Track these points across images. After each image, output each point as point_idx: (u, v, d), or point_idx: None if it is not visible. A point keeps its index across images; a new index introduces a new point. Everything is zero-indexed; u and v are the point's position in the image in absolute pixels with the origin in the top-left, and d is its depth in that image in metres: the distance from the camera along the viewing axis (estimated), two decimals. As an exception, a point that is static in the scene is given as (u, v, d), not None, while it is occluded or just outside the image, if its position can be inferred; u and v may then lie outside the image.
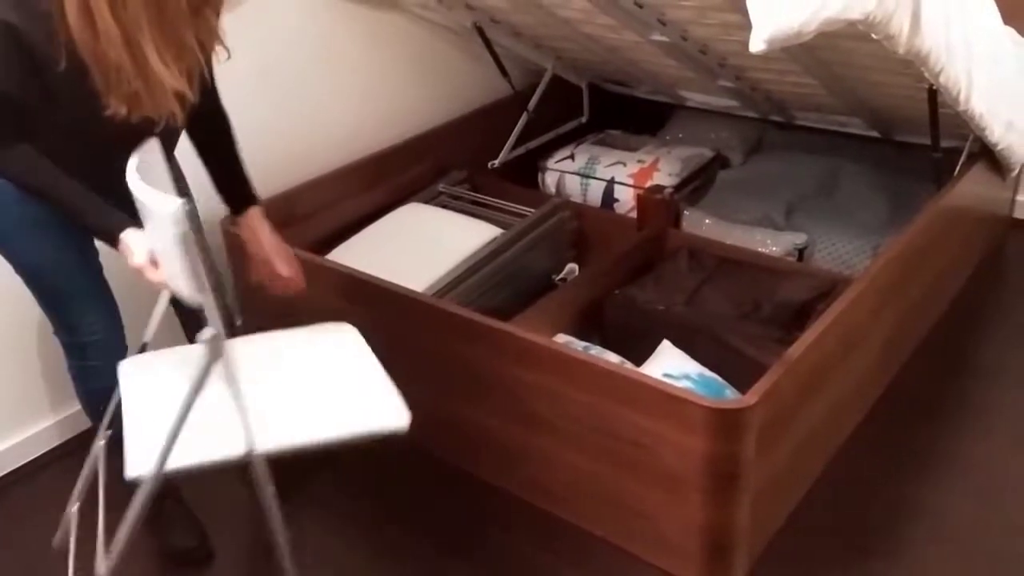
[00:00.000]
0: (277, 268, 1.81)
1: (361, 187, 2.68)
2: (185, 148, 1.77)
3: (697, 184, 2.92)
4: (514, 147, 3.07)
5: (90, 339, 1.73)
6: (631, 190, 2.85)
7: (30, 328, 2.16)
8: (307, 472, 2.12)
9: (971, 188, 2.52)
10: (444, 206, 2.74)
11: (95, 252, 1.74)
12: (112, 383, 1.64)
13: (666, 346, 2.07)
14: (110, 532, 1.48)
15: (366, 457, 2.17)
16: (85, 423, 2.25)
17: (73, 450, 2.24)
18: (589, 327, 2.33)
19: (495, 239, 2.47)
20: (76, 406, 2.23)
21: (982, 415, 2.23)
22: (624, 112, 3.32)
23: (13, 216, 1.62)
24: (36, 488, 2.16)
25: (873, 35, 1.72)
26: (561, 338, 2.14)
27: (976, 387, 2.33)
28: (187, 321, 1.90)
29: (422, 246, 2.47)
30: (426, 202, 2.76)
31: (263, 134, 2.46)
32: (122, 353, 1.76)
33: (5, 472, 2.20)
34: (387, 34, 2.79)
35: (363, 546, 1.92)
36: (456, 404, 2.04)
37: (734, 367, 2.03)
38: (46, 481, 2.17)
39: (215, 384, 1.35)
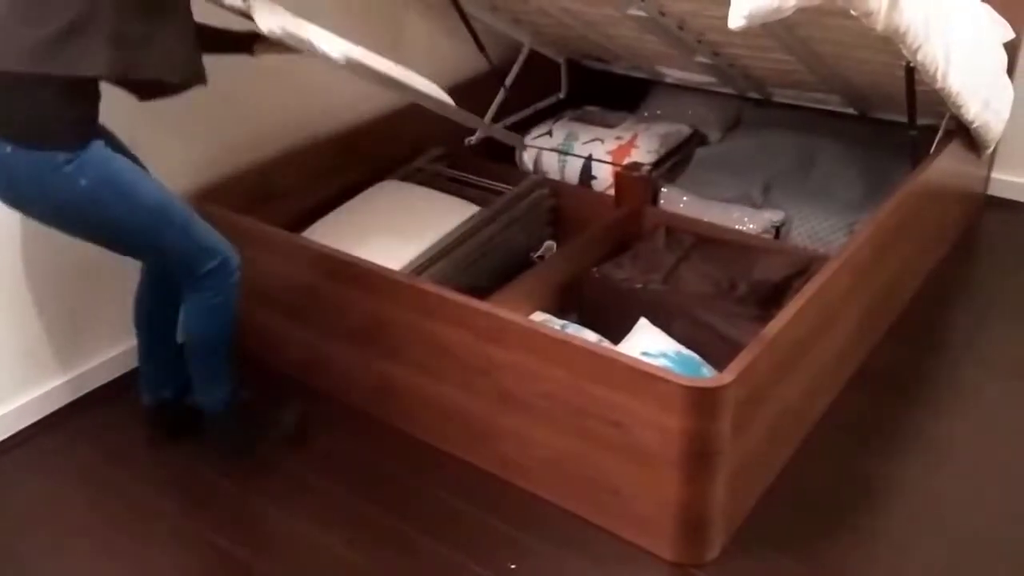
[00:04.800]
0: None
1: (337, 162, 2.65)
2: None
3: (675, 161, 2.91)
4: (492, 123, 3.04)
5: (229, 253, 1.87)
6: (609, 167, 2.84)
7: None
8: (286, 451, 2.11)
9: (947, 166, 2.53)
10: (422, 183, 2.71)
11: None
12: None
13: (643, 324, 2.07)
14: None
15: (339, 434, 2.16)
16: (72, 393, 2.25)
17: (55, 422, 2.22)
18: (567, 305, 2.32)
19: (473, 217, 2.45)
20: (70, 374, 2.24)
21: (953, 392, 2.25)
22: (602, 88, 3.30)
23: (124, 166, 1.73)
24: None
25: (852, 12, 1.71)
26: (539, 316, 2.13)
27: (947, 364, 2.35)
28: None
29: (399, 224, 2.45)
30: (404, 179, 2.73)
31: (235, 107, 2.42)
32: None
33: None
34: (362, 7, 2.75)
35: (336, 526, 1.91)
36: (432, 382, 2.03)
37: (711, 345, 2.03)
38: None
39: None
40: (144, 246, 1.84)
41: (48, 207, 1.72)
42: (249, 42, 2.03)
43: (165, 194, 1.81)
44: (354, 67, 1.92)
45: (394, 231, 2.40)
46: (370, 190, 2.62)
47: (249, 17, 1.81)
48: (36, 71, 1.57)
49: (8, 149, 1.62)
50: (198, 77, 1.72)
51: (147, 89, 1.75)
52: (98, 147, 1.68)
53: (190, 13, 1.71)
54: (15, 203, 1.75)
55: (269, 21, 1.77)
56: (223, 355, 2.00)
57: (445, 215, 2.47)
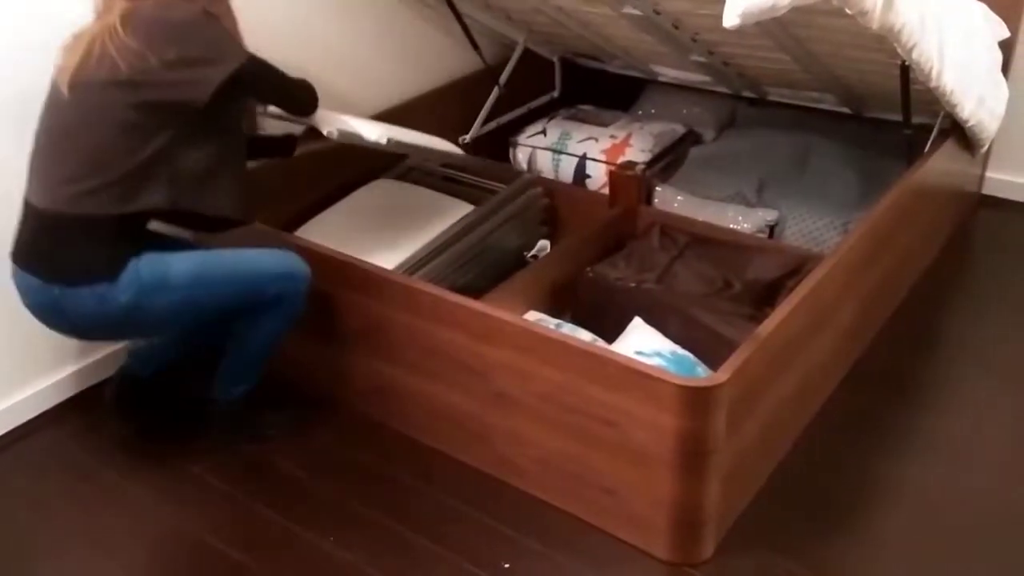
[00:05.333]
0: None
1: (329, 162, 2.63)
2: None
3: (669, 160, 2.91)
4: (485, 122, 3.04)
5: (291, 268, 1.95)
6: (603, 166, 2.83)
7: None
8: (281, 452, 2.11)
9: (941, 165, 2.53)
10: (415, 182, 2.70)
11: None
12: None
13: (638, 323, 2.07)
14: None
15: (333, 434, 2.16)
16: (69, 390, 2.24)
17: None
18: (561, 304, 2.32)
19: (466, 216, 2.44)
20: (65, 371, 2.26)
21: (946, 391, 2.25)
22: (596, 87, 3.30)
23: (150, 263, 1.79)
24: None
25: (847, 10, 1.71)
26: (533, 315, 2.13)
27: (941, 363, 2.35)
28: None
29: (392, 222, 2.44)
30: (397, 178, 2.72)
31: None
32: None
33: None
34: (357, 5, 2.74)
35: (331, 526, 1.90)
36: (427, 382, 2.03)
37: (705, 344, 2.03)
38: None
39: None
40: (201, 314, 1.91)
41: (102, 329, 1.87)
42: (290, 145, 2.20)
43: (197, 259, 1.87)
44: (394, 144, 2.18)
45: (387, 230, 2.40)
46: (363, 189, 2.62)
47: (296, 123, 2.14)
48: (98, 212, 1.72)
49: (57, 291, 1.76)
50: (248, 216, 1.91)
51: (200, 224, 1.91)
52: (132, 264, 1.78)
53: (244, 151, 1.91)
54: (71, 332, 1.90)
55: (328, 127, 2.03)
56: (270, 354, 2.04)
57: (439, 214, 2.46)
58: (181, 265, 1.84)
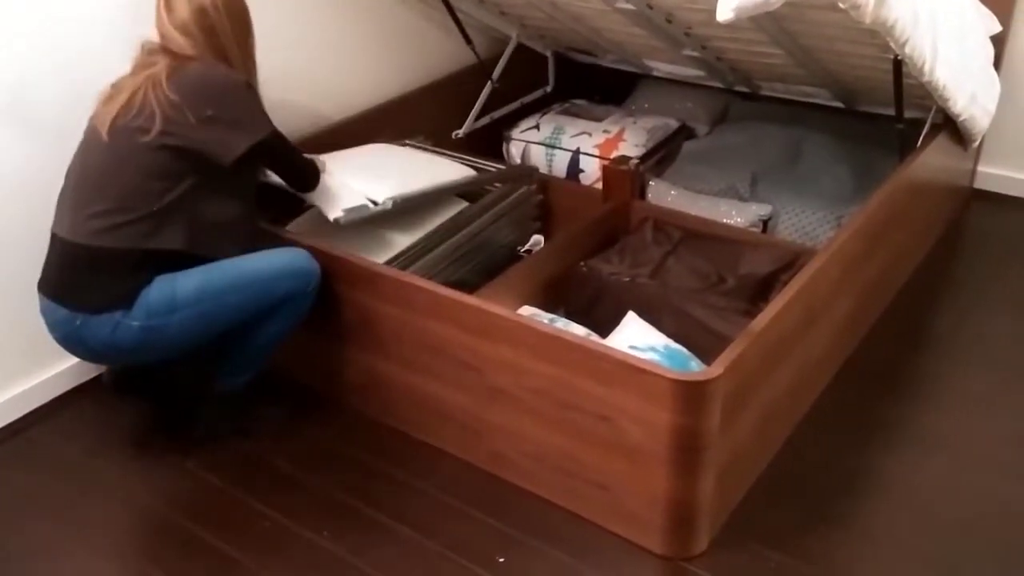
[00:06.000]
0: None
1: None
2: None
3: (662, 155, 2.91)
4: (479, 117, 3.03)
5: (300, 268, 1.99)
6: (597, 161, 2.83)
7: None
8: (273, 447, 2.10)
9: (934, 159, 2.53)
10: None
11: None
12: None
13: (631, 318, 2.07)
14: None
15: (326, 429, 2.15)
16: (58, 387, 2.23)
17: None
18: (555, 299, 2.32)
19: (461, 210, 2.43)
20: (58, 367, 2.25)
21: (939, 385, 2.26)
22: (590, 82, 3.30)
23: (158, 288, 1.87)
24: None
25: (840, 5, 1.71)
26: (527, 310, 2.13)
27: (934, 357, 2.36)
28: None
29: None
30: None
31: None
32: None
33: None
34: (348, 0, 2.73)
35: (323, 521, 1.90)
36: (420, 378, 2.02)
37: (699, 339, 2.03)
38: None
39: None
40: (215, 326, 1.94)
41: (121, 354, 1.93)
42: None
43: (203, 273, 1.90)
44: (401, 201, 2.23)
45: (383, 221, 2.37)
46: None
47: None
48: (119, 246, 1.83)
49: (78, 321, 1.84)
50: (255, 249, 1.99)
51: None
52: (144, 291, 1.86)
53: (256, 206, 2.04)
54: (95, 359, 2.04)
55: (332, 209, 2.13)
56: (272, 350, 2.07)
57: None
58: (187, 282, 1.89)
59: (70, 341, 1.90)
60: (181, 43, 1.88)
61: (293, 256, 1.99)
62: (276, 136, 1.97)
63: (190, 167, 1.85)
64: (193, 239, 1.89)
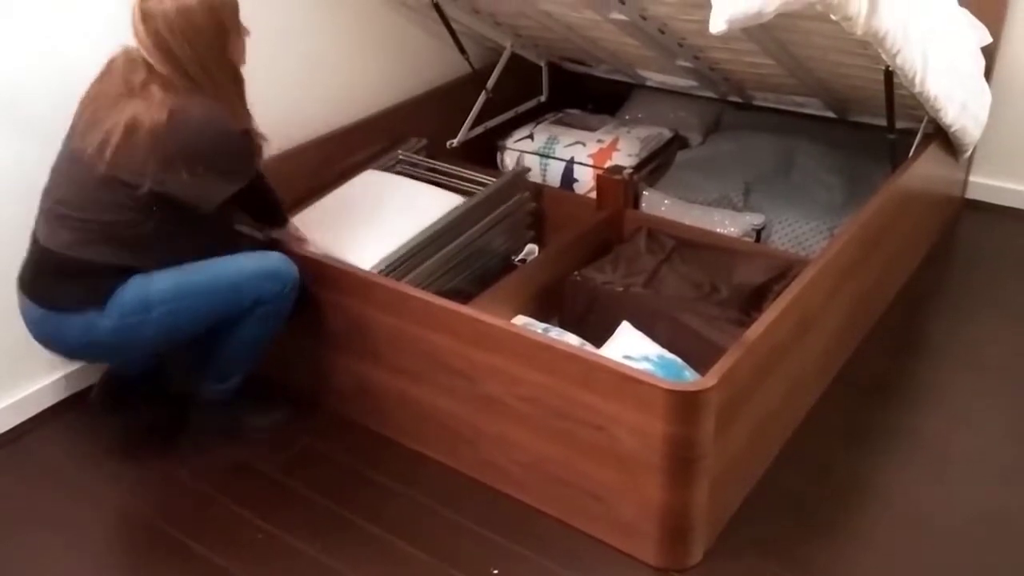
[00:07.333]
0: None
1: (313, 169, 2.62)
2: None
3: (656, 164, 2.92)
4: (473, 126, 3.03)
5: (277, 271, 1.98)
6: (590, 170, 2.83)
7: None
8: (265, 455, 2.09)
9: (925, 169, 2.54)
10: (402, 174, 2.67)
11: None
12: None
13: (625, 328, 2.07)
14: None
15: (319, 437, 2.14)
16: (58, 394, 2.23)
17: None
18: (548, 308, 2.32)
19: (454, 218, 2.43)
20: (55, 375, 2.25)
21: (933, 394, 2.26)
22: (584, 91, 3.30)
23: (131, 288, 1.86)
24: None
25: (832, 16, 1.72)
26: (520, 319, 2.12)
27: (927, 367, 2.36)
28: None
29: (380, 216, 2.41)
30: (384, 170, 2.69)
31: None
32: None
33: None
34: (343, 9, 2.73)
35: (315, 531, 1.89)
36: (414, 386, 2.02)
37: (693, 348, 2.03)
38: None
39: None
40: (189, 326, 1.93)
41: (95, 352, 1.97)
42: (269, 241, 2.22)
43: (177, 273, 1.90)
44: (391, 259, 2.25)
45: (375, 224, 2.37)
46: (351, 181, 2.58)
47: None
48: (96, 260, 1.84)
49: (54, 320, 1.86)
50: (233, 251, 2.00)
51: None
52: (119, 290, 1.85)
53: (231, 213, 2.04)
54: (71, 356, 2.03)
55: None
56: (259, 353, 2.05)
57: (428, 206, 2.43)
58: (162, 282, 1.88)
59: (47, 340, 1.91)
60: (155, 59, 1.79)
61: (270, 259, 1.98)
62: (258, 178, 2.00)
63: (170, 207, 1.86)
64: (169, 257, 1.90)
